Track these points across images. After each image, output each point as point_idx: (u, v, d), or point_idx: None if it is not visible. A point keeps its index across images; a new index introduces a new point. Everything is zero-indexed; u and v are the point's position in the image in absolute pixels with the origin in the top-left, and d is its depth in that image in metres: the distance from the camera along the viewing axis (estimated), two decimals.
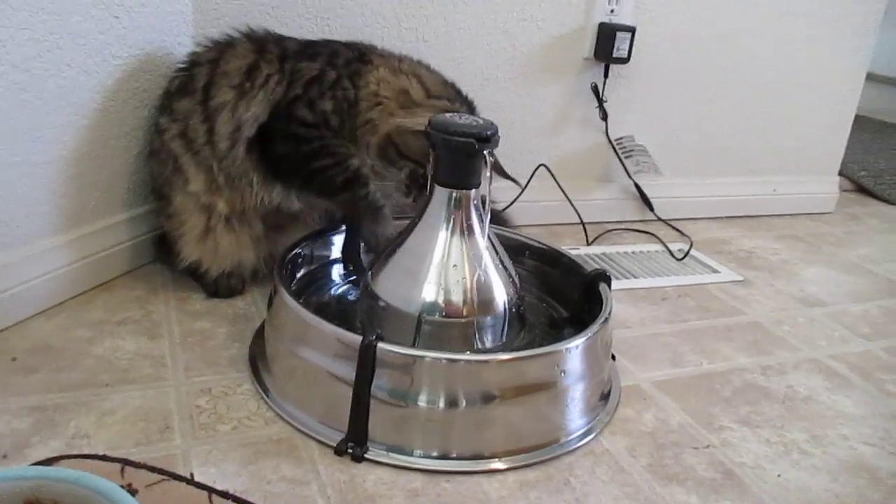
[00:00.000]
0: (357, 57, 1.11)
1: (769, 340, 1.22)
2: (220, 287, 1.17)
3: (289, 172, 1.09)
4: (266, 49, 1.10)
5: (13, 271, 1.02)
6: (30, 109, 1.00)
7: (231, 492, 0.75)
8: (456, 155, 0.92)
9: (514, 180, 1.20)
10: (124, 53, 1.12)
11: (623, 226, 1.66)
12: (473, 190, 0.95)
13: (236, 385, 0.95)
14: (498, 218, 1.41)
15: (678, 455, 0.91)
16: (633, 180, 1.64)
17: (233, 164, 1.08)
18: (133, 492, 0.73)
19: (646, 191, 1.67)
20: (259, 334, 1.03)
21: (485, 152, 0.91)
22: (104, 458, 0.77)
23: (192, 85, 1.09)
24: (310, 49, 1.11)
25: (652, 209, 1.68)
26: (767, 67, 1.71)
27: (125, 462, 0.77)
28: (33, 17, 0.97)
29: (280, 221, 1.16)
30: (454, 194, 0.94)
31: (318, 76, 1.07)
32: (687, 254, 1.53)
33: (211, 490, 0.74)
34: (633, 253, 1.52)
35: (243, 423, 0.88)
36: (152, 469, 0.76)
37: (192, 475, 0.77)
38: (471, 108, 1.13)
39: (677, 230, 1.67)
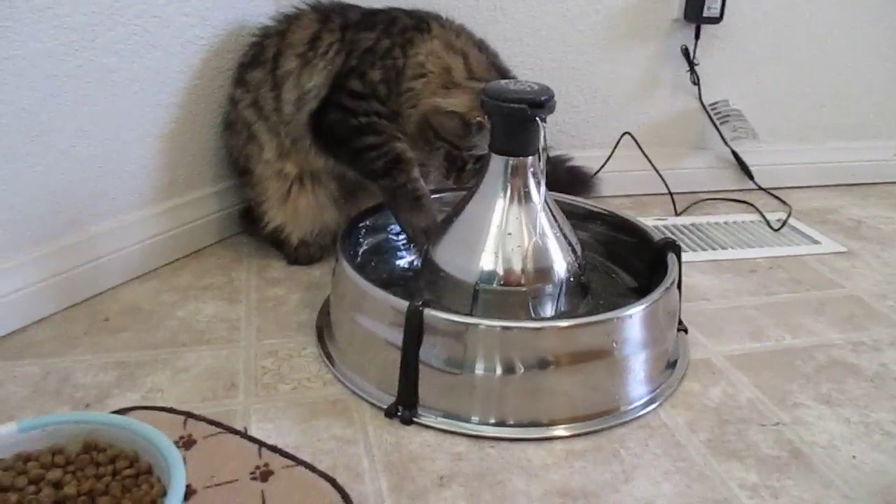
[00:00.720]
0: (414, 25, 1.11)
1: (867, 315, 1.14)
2: (300, 255, 1.22)
3: (335, 144, 1.11)
4: (329, 19, 1.14)
5: (108, 240, 1.10)
6: (119, 89, 1.07)
7: (280, 446, 0.79)
8: (509, 122, 0.91)
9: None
10: (207, 33, 1.18)
11: (719, 195, 1.58)
12: (530, 157, 0.94)
13: (301, 348, 0.99)
14: (579, 174, 1.39)
15: (742, 432, 0.87)
16: (730, 147, 1.56)
17: (296, 128, 1.12)
18: (192, 441, 0.78)
19: (744, 158, 1.58)
20: (327, 302, 1.07)
21: (538, 118, 0.89)
22: (171, 410, 0.83)
23: (263, 56, 1.14)
24: (370, 18, 1.13)
25: (751, 177, 1.59)
26: (880, 19, 1.57)
27: (188, 415, 0.82)
28: (119, 2, 1.04)
29: (353, 187, 1.19)
30: (510, 162, 0.94)
31: (372, 46, 1.10)
32: (784, 223, 1.44)
33: (261, 444, 0.79)
34: (725, 223, 1.45)
35: (303, 384, 0.92)
36: (210, 422, 0.81)
37: (245, 429, 0.82)
38: None
39: (779, 199, 1.57)
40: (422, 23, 1.12)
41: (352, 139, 1.08)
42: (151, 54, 1.10)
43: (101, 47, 1.03)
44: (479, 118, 0.99)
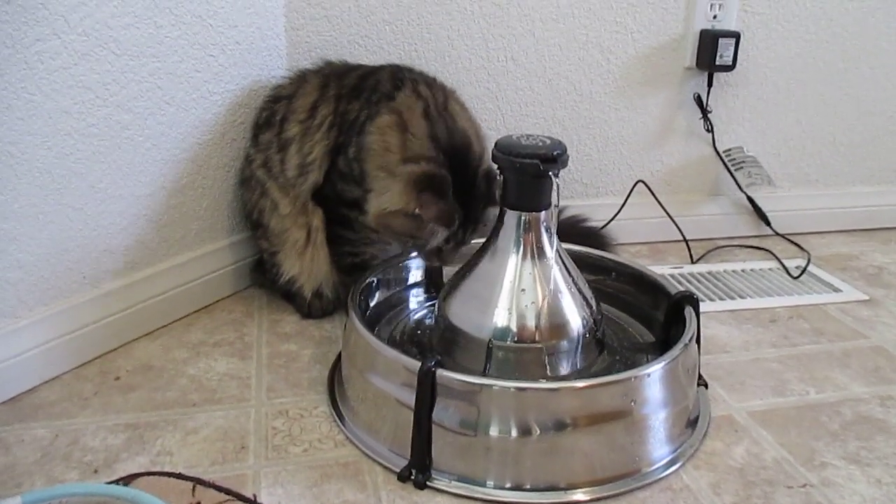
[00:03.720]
0: (388, 92, 1.09)
1: (894, 368, 1.11)
2: (314, 308, 1.21)
3: (326, 217, 1.15)
4: (328, 86, 1.15)
5: (120, 296, 1.10)
6: (133, 145, 1.08)
7: None
8: (522, 177, 0.90)
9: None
10: (221, 89, 1.18)
11: (735, 242, 1.56)
12: (543, 212, 0.92)
13: (313, 407, 0.97)
14: (594, 236, 1.37)
15: (769, 495, 0.84)
16: (746, 193, 1.54)
17: (303, 193, 1.14)
18: None
19: (760, 204, 1.56)
20: (339, 357, 1.05)
21: (550, 173, 0.88)
22: (179, 476, 0.81)
23: (274, 119, 1.16)
24: (362, 83, 1.13)
25: (768, 223, 1.57)
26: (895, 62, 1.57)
27: (197, 481, 0.80)
28: (134, 61, 1.05)
29: None
30: (523, 217, 0.93)
31: (355, 119, 1.10)
32: (804, 271, 1.42)
33: None
34: (742, 271, 1.43)
35: (314, 445, 0.90)
36: (220, 489, 0.79)
37: (255, 496, 0.79)
38: (453, 163, 1.02)
39: (797, 245, 1.55)
40: (395, 88, 1.09)
41: (335, 224, 1.15)
42: (165, 110, 1.11)
43: (116, 105, 1.04)
44: (416, 209, 0.99)
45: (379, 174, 1.04)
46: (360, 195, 1.10)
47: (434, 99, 1.08)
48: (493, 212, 0.98)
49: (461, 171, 1.02)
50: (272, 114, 1.17)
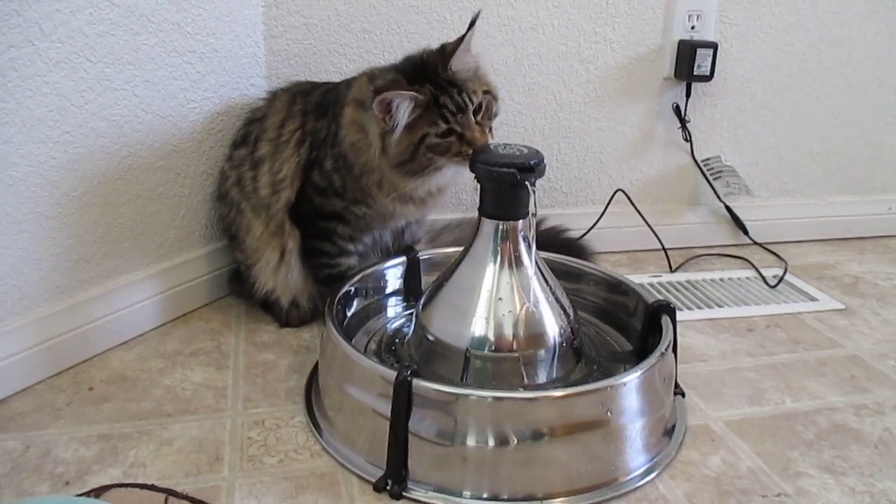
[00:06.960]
0: (344, 95, 1.09)
1: (869, 376, 1.12)
2: (292, 317, 1.20)
3: (302, 234, 1.15)
4: (294, 102, 1.15)
5: (95, 306, 1.09)
6: (108, 154, 1.07)
7: None
8: (499, 186, 0.90)
9: None
10: (198, 97, 1.18)
11: (714, 251, 1.57)
12: (520, 221, 0.93)
13: (289, 417, 0.96)
14: (574, 246, 1.37)
15: None
16: (724, 202, 1.55)
17: (278, 214, 1.13)
18: None
19: (738, 213, 1.57)
20: (316, 367, 1.05)
21: (527, 182, 0.88)
22: (152, 487, 0.81)
23: (249, 138, 1.17)
24: (325, 101, 1.13)
25: (746, 232, 1.59)
26: (871, 76, 1.58)
27: (170, 493, 0.79)
28: (110, 68, 1.04)
29: None
30: (500, 226, 0.93)
31: (325, 136, 1.10)
32: (781, 280, 1.43)
33: None
34: (720, 280, 1.44)
35: (290, 455, 0.89)
36: (193, 500, 0.78)
37: None
38: (398, 69, 1.03)
39: (774, 254, 1.56)
40: (348, 88, 1.09)
41: (312, 238, 1.15)
42: (141, 118, 1.10)
43: (91, 113, 1.03)
44: (385, 115, 0.96)
45: (363, 141, 1.04)
46: (340, 207, 1.10)
47: (378, 68, 1.08)
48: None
49: (407, 68, 1.02)
50: (247, 134, 1.17)
